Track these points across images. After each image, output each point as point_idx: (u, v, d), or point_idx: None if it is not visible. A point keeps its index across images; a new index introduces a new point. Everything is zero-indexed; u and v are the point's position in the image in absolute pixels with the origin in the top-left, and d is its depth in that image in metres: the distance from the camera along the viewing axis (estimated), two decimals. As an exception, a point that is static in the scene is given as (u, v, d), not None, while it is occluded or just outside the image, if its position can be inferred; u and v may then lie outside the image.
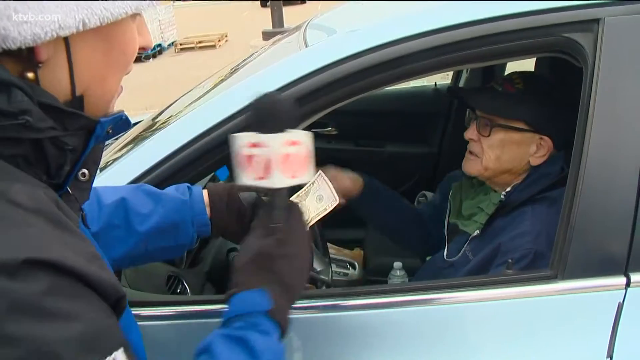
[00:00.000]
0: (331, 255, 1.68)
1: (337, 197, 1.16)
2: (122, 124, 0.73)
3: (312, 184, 1.21)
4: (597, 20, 1.13)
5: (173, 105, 1.86)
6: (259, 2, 18.84)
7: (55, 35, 0.60)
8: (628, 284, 1.09)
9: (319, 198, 1.17)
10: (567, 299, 1.11)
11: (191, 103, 1.57)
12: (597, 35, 1.12)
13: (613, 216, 1.10)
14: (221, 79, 1.77)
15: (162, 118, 1.72)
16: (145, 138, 1.34)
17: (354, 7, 1.85)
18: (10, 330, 0.50)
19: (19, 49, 0.59)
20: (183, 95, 1.94)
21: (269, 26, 11.37)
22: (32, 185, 0.61)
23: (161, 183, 1.19)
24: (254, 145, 0.82)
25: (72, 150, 0.66)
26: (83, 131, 0.67)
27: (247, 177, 0.83)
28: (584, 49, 1.13)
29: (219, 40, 12.54)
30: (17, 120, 0.59)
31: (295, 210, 0.89)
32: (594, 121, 1.10)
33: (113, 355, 0.56)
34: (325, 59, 1.21)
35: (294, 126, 0.85)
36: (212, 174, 1.74)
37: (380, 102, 2.77)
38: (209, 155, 1.23)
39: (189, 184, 1.13)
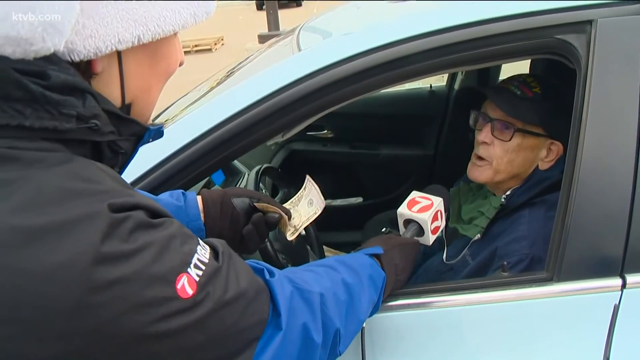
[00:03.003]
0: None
1: (323, 200, 1.18)
2: (159, 134, 0.80)
3: (304, 189, 1.21)
4: (589, 22, 1.13)
5: (169, 109, 1.85)
6: (254, 5, 18.84)
7: (113, 49, 0.66)
8: (624, 286, 1.09)
9: (310, 202, 1.19)
10: (563, 301, 1.11)
11: (187, 107, 1.57)
12: (590, 37, 1.12)
13: (608, 217, 1.10)
14: (217, 82, 1.77)
15: (157, 122, 1.71)
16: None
17: (348, 10, 1.84)
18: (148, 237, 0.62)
19: (79, 62, 0.65)
20: (179, 99, 1.94)
21: (264, 29, 11.36)
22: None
23: (158, 186, 1.19)
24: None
25: (123, 154, 0.74)
26: (134, 137, 0.75)
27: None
28: (577, 50, 1.13)
29: (215, 44, 12.52)
30: (88, 124, 0.65)
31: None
32: (587, 123, 1.10)
33: (197, 239, 0.69)
34: (319, 62, 1.20)
35: None
36: (207, 178, 1.73)
37: (376, 105, 2.77)
38: (204, 159, 1.22)
39: (183, 190, 1.13)
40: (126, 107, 0.73)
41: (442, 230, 1.63)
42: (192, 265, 0.65)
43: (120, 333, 0.58)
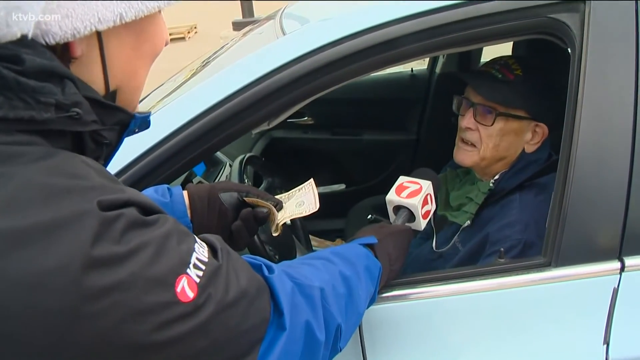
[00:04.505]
0: (313, 247, 1.68)
1: (317, 205, 1.13)
2: (145, 124, 0.74)
3: (299, 190, 1.17)
4: (583, 1, 1.10)
5: (144, 100, 1.79)
6: (226, -8, 18.59)
7: (93, 30, 0.60)
8: (622, 269, 1.08)
9: (300, 203, 1.14)
10: (561, 286, 1.09)
11: (163, 98, 1.51)
12: (584, 16, 1.09)
13: (605, 201, 1.08)
14: (193, 72, 1.71)
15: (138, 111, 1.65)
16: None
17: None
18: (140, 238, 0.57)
19: (55, 45, 0.59)
20: (154, 90, 1.88)
21: (239, 16, 11.21)
22: None
23: (137, 181, 1.15)
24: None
25: (107, 145, 0.68)
26: (118, 126, 0.69)
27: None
28: (571, 29, 1.11)
29: (188, 32, 12.33)
30: (68, 112, 0.59)
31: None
32: (583, 104, 1.08)
33: (194, 237, 0.65)
34: (306, 46, 1.16)
35: None
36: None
37: (356, 90, 2.73)
38: (188, 150, 1.17)
39: (168, 185, 1.09)
40: (111, 94, 0.67)
41: (431, 217, 1.61)
42: (191, 266, 0.60)
43: (117, 344, 0.53)
